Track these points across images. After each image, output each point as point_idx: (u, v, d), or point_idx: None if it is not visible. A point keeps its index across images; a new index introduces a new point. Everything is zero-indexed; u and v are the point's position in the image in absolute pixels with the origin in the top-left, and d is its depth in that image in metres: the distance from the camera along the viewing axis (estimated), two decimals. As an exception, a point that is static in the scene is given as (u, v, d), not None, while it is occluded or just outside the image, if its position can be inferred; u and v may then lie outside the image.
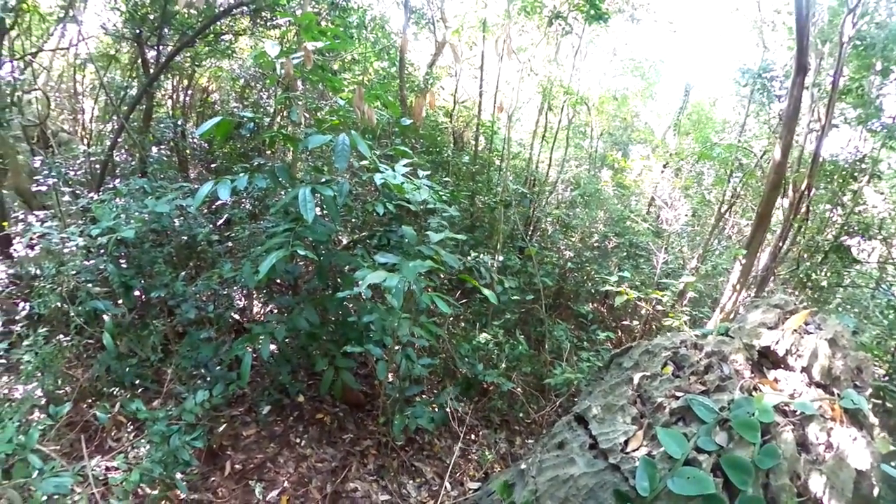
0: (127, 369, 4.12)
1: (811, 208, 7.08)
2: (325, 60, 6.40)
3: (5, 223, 5.66)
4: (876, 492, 2.61)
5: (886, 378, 4.54)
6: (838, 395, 2.65)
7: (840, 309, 7.06)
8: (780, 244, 6.69)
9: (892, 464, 2.79)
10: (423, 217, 5.22)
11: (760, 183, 8.76)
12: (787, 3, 8.60)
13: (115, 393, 4.10)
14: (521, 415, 5.48)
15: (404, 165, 4.16)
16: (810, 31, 6.48)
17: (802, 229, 7.10)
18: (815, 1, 7.47)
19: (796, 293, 6.96)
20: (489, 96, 8.79)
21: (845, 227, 7.14)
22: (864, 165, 7.32)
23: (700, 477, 2.03)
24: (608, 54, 11.74)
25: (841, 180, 7.37)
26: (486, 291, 3.70)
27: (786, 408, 2.45)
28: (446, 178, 6.33)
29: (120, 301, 4.40)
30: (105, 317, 4.14)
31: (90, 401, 4.11)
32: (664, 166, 10.70)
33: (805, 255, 7.31)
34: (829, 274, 7.13)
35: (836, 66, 6.41)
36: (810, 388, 2.67)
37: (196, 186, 4.59)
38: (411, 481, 4.28)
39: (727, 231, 9.82)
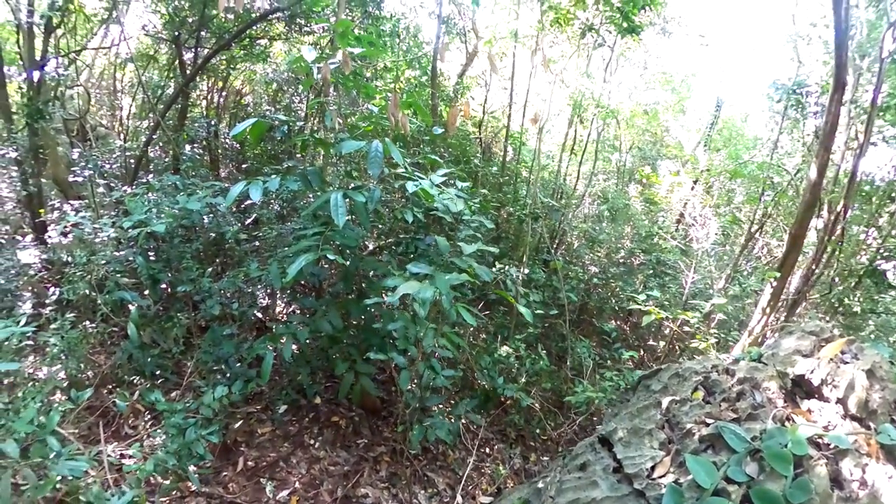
0: (149, 359, 4.21)
1: (846, 230, 6.89)
2: (359, 67, 6.49)
3: (42, 210, 5.86)
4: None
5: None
6: (875, 429, 2.57)
7: (874, 336, 6.86)
8: (814, 267, 6.51)
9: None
10: (450, 227, 5.22)
11: (792, 202, 8.56)
12: (823, 17, 8.37)
13: (135, 382, 4.19)
14: (537, 431, 5.41)
15: (441, 175, 4.17)
16: (849, 45, 6.32)
17: (837, 252, 6.91)
18: (854, 14, 7.29)
19: (827, 318, 6.78)
20: (518, 107, 8.77)
21: (881, 251, 6.92)
22: (902, 187, 7.10)
23: (729, 509, 1.98)
24: (639, 68, 11.63)
25: (878, 201, 7.15)
26: (523, 309, 3.69)
27: (819, 440, 2.38)
28: (483, 191, 6.30)
29: (146, 293, 4.49)
30: (131, 307, 4.25)
31: (111, 387, 4.20)
32: (694, 183, 10.54)
33: (838, 279, 7.11)
34: (862, 300, 6.93)
35: (877, 82, 6.22)
36: (845, 420, 2.58)
37: (227, 185, 4.69)
38: (423, 491, 4.26)
39: (756, 252, 9.61)
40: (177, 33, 7.12)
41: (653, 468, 2.34)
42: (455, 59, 11.10)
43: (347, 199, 3.75)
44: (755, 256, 9.49)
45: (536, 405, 5.38)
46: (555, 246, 8.08)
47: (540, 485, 3.12)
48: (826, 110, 5.49)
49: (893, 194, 7.10)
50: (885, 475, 2.37)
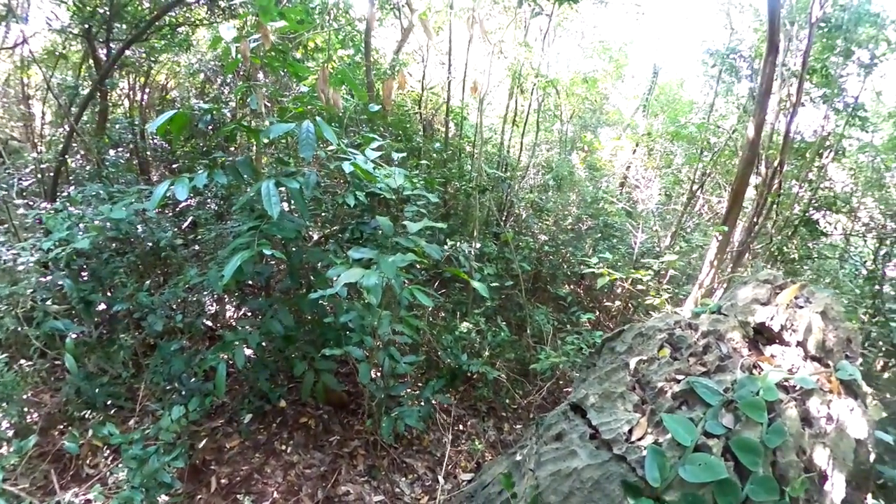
0: (97, 390, 3.87)
1: (782, 184, 7.20)
2: (285, 45, 6.13)
3: (-48, 242, 5.29)
4: (872, 457, 2.61)
5: (858, 344, 4.64)
6: (833, 367, 2.63)
7: (811, 280, 7.21)
8: (755, 219, 6.76)
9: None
10: (397, 206, 5.07)
11: (730, 161, 8.87)
12: (754, -16, 8.66)
13: (86, 416, 3.86)
14: (507, 401, 5.44)
15: (374, 150, 3.97)
16: (780, 12, 6.54)
17: (776, 205, 7.21)
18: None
19: (769, 266, 7.06)
20: (457, 82, 8.61)
21: (812, 202, 7.29)
22: (828, 143, 7.48)
23: (712, 463, 1.96)
24: (577, 37, 11.66)
25: (810, 157, 7.50)
26: (477, 284, 3.55)
27: (786, 384, 2.41)
28: (423, 161, 6.14)
29: (82, 318, 4.13)
30: (67, 337, 3.87)
31: (62, 427, 3.86)
32: (635, 146, 10.73)
33: (776, 230, 7.43)
34: (799, 247, 7.28)
35: (807, 46, 6.48)
36: (806, 361, 2.64)
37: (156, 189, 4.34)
38: (403, 479, 4.18)
39: (698, 209, 9.91)
40: (87, 26, 6.47)
41: (630, 431, 2.31)
42: (391, 36, 10.81)
43: (281, 188, 3.52)
44: (697, 213, 9.78)
45: (503, 376, 5.39)
46: (504, 218, 8.05)
47: (518, 457, 3.08)
48: (761, 72, 5.69)
49: (821, 150, 7.47)
50: (847, 408, 2.44)
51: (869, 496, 3.07)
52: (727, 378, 2.36)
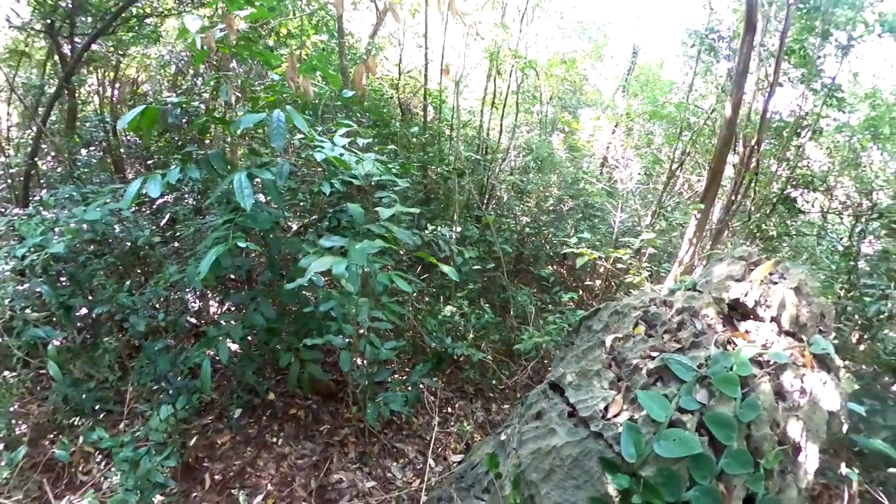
0: (84, 395, 3.83)
1: (760, 162, 7.27)
2: (259, 35, 5.95)
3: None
4: (845, 428, 2.67)
5: (834, 319, 4.72)
6: (807, 341, 2.67)
7: (789, 256, 7.33)
8: (733, 197, 6.82)
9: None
10: (374, 193, 5.03)
11: (709, 140, 8.92)
12: (734, -36, 8.65)
13: (76, 423, 3.83)
14: (493, 382, 5.48)
15: (343, 136, 3.90)
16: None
17: (753, 183, 7.29)
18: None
19: (748, 244, 7.15)
20: (435, 65, 8.52)
21: (790, 181, 7.39)
22: (806, 122, 7.56)
23: (686, 438, 1.98)
24: (556, 17, 11.58)
25: (787, 135, 7.58)
26: (445, 268, 3.52)
27: (760, 359, 2.44)
28: (391, 147, 6.07)
29: (63, 324, 4.06)
30: (49, 344, 3.79)
31: (52, 436, 3.83)
32: (615, 127, 10.73)
33: (754, 208, 7.52)
34: (777, 224, 7.38)
35: (784, 26, 6.51)
36: (780, 336, 2.67)
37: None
38: (395, 463, 4.22)
39: (678, 188, 9.97)
40: (49, 22, 6.18)
41: (606, 408, 2.33)
42: (366, 20, 10.64)
43: (256, 179, 3.46)
44: (677, 192, 9.85)
45: (488, 358, 5.42)
46: (485, 201, 8.03)
47: (503, 437, 3.10)
48: (738, 51, 5.72)
49: (799, 130, 7.55)
50: (820, 382, 2.48)
51: (843, 465, 3.14)
52: (701, 354, 2.39)
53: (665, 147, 10.07)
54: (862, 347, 4.81)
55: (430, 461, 4.22)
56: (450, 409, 5.05)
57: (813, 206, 8.34)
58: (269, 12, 4.19)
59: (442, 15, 7.38)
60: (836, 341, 4.52)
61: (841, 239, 7.31)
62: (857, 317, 4.88)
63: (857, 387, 3.06)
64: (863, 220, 6.28)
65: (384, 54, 9.84)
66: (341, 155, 3.59)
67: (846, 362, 4.48)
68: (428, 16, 8.23)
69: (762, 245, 7.18)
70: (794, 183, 7.41)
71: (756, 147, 6.77)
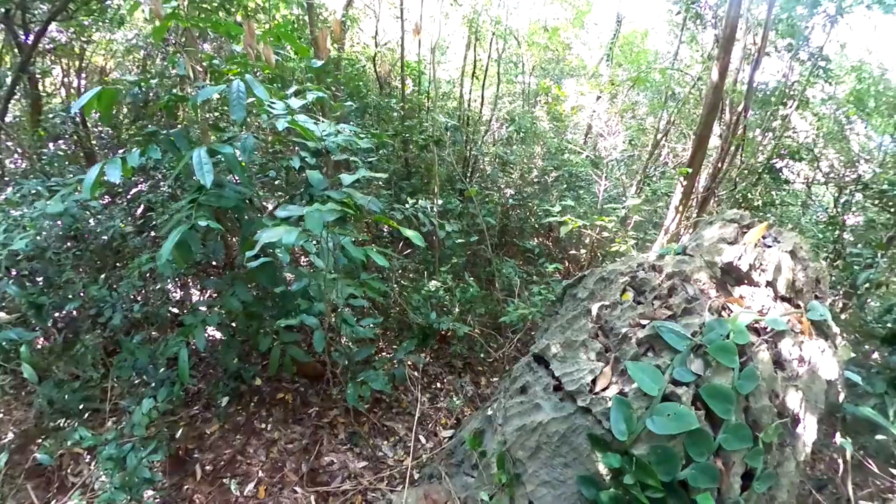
0: (68, 396, 3.66)
1: (746, 130, 7.16)
2: (212, 5, 5.53)
3: None
4: (842, 398, 2.55)
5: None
6: (804, 307, 2.53)
7: (776, 225, 7.28)
8: (720, 164, 6.69)
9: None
10: (344, 165, 4.79)
11: (694, 109, 8.77)
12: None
13: (62, 425, 3.65)
14: (482, 356, 5.42)
15: (300, 99, 3.63)
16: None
17: (740, 151, 7.18)
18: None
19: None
20: (413, 39, 8.18)
21: (776, 151, 7.32)
22: (792, 93, 7.45)
23: (681, 412, 1.82)
24: (536, -17, 11.24)
25: (774, 105, 7.47)
26: (409, 233, 3.27)
27: (757, 325, 2.29)
28: (364, 116, 5.79)
29: (35, 324, 3.86)
30: (22, 346, 3.59)
31: (40, 440, 3.65)
32: (599, 95, 10.51)
33: (739, 178, 7.44)
34: (762, 194, 7.32)
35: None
36: (776, 302, 2.52)
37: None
38: (385, 442, 4.15)
39: (664, 158, 9.82)
40: (2, 10, 5.73)
41: (594, 381, 2.16)
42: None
43: (218, 155, 3.20)
44: (663, 162, 9.70)
45: (475, 332, 5.34)
46: (468, 174, 7.81)
47: (489, 412, 2.95)
48: (725, 16, 5.67)
49: (785, 100, 7.44)
50: (818, 349, 2.34)
51: (837, 434, 3.04)
52: (695, 321, 2.22)
53: (650, 117, 9.90)
54: (844, 316, 4.79)
55: (421, 437, 4.16)
56: (438, 385, 4.97)
57: (798, 176, 8.30)
58: None
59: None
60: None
61: (826, 209, 7.28)
62: (839, 286, 4.87)
63: (852, 355, 2.97)
64: (847, 190, 6.25)
65: (360, 26, 9.45)
66: (296, 120, 3.32)
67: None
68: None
69: (749, 214, 7.11)
70: (779, 153, 7.34)
71: (742, 114, 6.64)
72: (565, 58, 12.03)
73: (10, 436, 3.63)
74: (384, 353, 4.91)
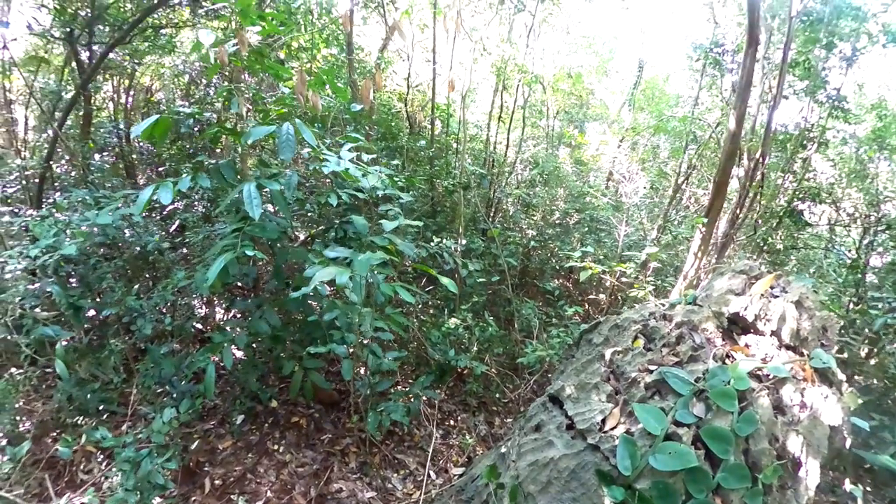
0: (89, 396, 3.89)
1: (765, 176, 7.26)
2: (270, 48, 6.07)
3: (-64, 249, 5.24)
4: (848, 444, 2.64)
5: (842, 332, 4.68)
6: (808, 355, 2.66)
7: (796, 270, 7.29)
8: (738, 211, 6.82)
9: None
10: (379, 205, 5.08)
11: (715, 154, 8.92)
12: (737, -21, 8.74)
13: (79, 422, 3.87)
14: (497, 395, 5.46)
15: (350, 150, 3.98)
16: (760, 6, 6.61)
17: (758, 196, 7.28)
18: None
19: (754, 257, 7.13)
20: (443, 79, 8.61)
21: (797, 193, 7.37)
22: (812, 134, 7.54)
23: (682, 451, 1.98)
24: (562, 32, 11.68)
25: (791, 149, 7.57)
26: (445, 280, 3.58)
27: (759, 372, 2.44)
28: (394, 162, 6.15)
29: (71, 324, 4.13)
30: (57, 343, 3.86)
31: (55, 434, 3.87)
32: (620, 141, 10.77)
33: (760, 221, 7.50)
34: (784, 238, 7.36)
35: (786, 40, 6.55)
36: (781, 350, 2.66)
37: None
38: (395, 474, 4.22)
39: (685, 201, 9.96)
40: (69, 29, 6.35)
41: (603, 421, 2.33)
42: (376, 35, 10.77)
43: (264, 189, 3.53)
44: (684, 206, 9.84)
45: (492, 371, 5.41)
46: (491, 214, 8.06)
47: (503, 449, 3.10)
48: (742, 65, 5.78)
49: (805, 142, 7.53)
50: (821, 396, 2.46)
51: (847, 481, 3.11)
52: (699, 368, 2.39)
53: (671, 161, 10.08)
54: (873, 361, 4.77)
55: (431, 472, 4.22)
56: (452, 422, 5.03)
57: (820, 218, 8.30)
58: (280, 28, 4.30)
59: (449, 31, 7.47)
60: (844, 355, 4.50)
61: (849, 251, 7.24)
62: (866, 330, 4.85)
63: (864, 401, 3.04)
64: (871, 231, 6.23)
65: (393, 68, 9.96)
66: (347, 169, 3.66)
67: (855, 377, 4.46)
68: (436, 31, 8.35)
69: (769, 258, 7.15)
70: (800, 195, 7.38)
71: (760, 160, 6.77)
72: (588, 103, 12.38)
73: (29, 425, 3.78)
74: (400, 387, 5.03)
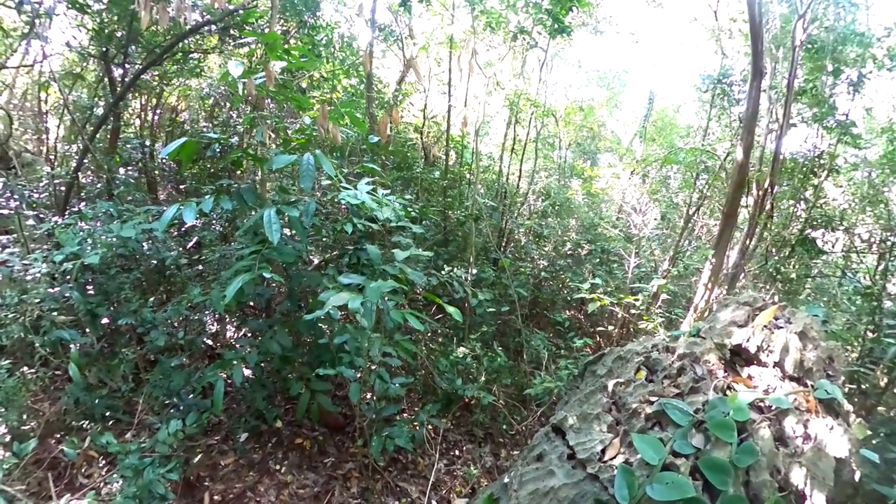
0: (96, 401, 3.97)
1: (775, 205, 7.23)
2: (293, 79, 6.32)
3: (-36, 249, 5.44)
4: (857, 476, 2.61)
5: (859, 361, 4.60)
6: (812, 386, 2.66)
7: (810, 299, 7.20)
8: (748, 241, 6.80)
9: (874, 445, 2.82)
10: (392, 234, 5.20)
11: (725, 184, 8.93)
12: (741, 12, 8.86)
13: (84, 426, 3.93)
14: (504, 427, 5.41)
15: (367, 183, 4.13)
16: (764, 36, 6.72)
17: (768, 225, 7.24)
18: (769, 9, 7.75)
19: (767, 287, 7.07)
20: (458, 112, 8.81)
21: (809, 221, 7.29)
22: (822, 161, 7.52)
23: (679, 482, 2.00)
24: (573, 66, 11.95)
25: (801, 176, 7.54)
26: (451, 309, 3.67)
27: (761, 404, 2.45)
28: (408, 196, 6.30)
29: (87, 330, 4.25)
30: (71, 347, 4.01)
31: (58, 436, 3.92)
32: (631, 173, 10.85)
33: (773, 250, 7.45)
34: (797, 266, 7.27)
35: (791, 69, 6.62)
36: (784, 381, 2.67)
37: (163, 209, 4.50)
38: (396, 502, 4.19)
39: (696, 232, 9.96)
40: (104, 49, 6.76)
41: (603, 451, 2.36)
42: (394, 67, 11.08)
43: (283, 215, 3.68)
44: (696, 237, 9.83)
45: (500, 402, 5.38)
46: (503, 244, 8.13)
47: (506, 479, 3.11)
48: (748, 96, 5.84)
49: (815, 169, 7.51)
50: (825, 427, 2.46)
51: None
52: (699, 399, 2.41)
53: (682, 192, 10.12)
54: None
55: (433, 503, 4.20)
56: (457, 452, 5.00)
57: (834, 245, 8.17)
58: (304, 62, 4.52)
59: (461, 68, 7.69)
60: (862, 386, 4.42)
61: (864, 278, 7.10)
62: (883, 359, 4.75)
63: (886, 433, 3.00)
64: (886, 257, 6.10)
65: (409, 100, 10.21)
66: (364, 202, 3.80)
67: (875, 407, 4.36)
68: (451, 65, 8.57)
69: (782, 288, 7.08)
70: (812, 223, 7.30)
71: (769, 189, 6.76)
72: (600, 135, 12.53)
73: (34, 424, 3.79)
74: (406, 413, 5.02)
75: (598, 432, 2.48)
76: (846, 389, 3.68)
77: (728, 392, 2.49)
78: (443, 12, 9.18)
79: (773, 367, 2.72)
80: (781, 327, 2.94)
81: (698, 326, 3.12)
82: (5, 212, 5.27)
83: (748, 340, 2.77)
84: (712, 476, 2.05)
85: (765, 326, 2.88)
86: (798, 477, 2.29)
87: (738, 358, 2.83)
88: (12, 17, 7.52)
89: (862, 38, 6.95)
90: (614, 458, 2.29)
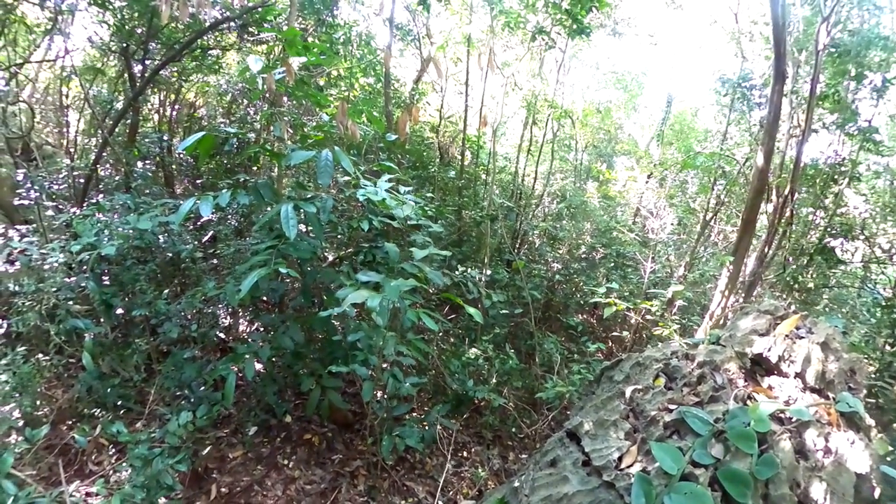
0: (109, 390, 4.03)
1: (795, 212, 7.11)
2: (311, 76, 6.35)
3: (-16, 236, 5.53)
4: (877, 493, 2.56)
5: (877, 375, 4.51)
6: (833, 398, 2.61)
7: (827, 309, 7.07)
8: (767, 249, 6.70)
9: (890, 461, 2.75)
10: (408, 233, 5.19)
11: (744, 190, 8.81)
12: (763, 15, 8.76)
13: (96, 414, 3.99)
14: (513, 430, 5.40)
15: (387, 181, 4.12)
16: (787, 40, 6.59)
17: (787, 233, 7.13)
18: (791, 11, 7.62)
19: (784, 296, 6.97)
20: (475, 111, 8.79)
21: (828, 230, 7.17)
22: (843, 168, 7.38)
23: (698, 492, 1.96)
24: (591, 68, 11.88)
25: (822, 184, 7.42)
26: (471, 310, 3.65)
27: (782, 415, 2.40)
28: (430, 195, 6.29)
29: (101, 320, 4.30)
30: (86, 336, 4.05)
31: (70, 423, 3.99)
32: (648, 177, 10.76)
33: (791, 259, 7.33)
34: (815, 276, 7.15)
35: (814, 73, 6.49)
36: (805, 393, 2.62)
37: (180, 203, 4.54)
38: (403, 501, 4.20)
39: (713, 238, 9.85)
40: (125, 45, 6.85)
41: (620, 458, 2.32)
42: (411, 66, 11.10)
43: (300, 211, 3.68)
44: (713, 243, 9.72)
45: (510, 405, 5.36)
46: (517, 246, 8.10)
47: (516, 483, 3.08)
48: (769, 100, 5.74)
49: (836, 176, 7.37)
50: (847, 441, 2.41)
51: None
52: (719, 409, 2.37)
53: (699, 196, 10.01)
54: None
55: (440, 503, 4.19)
56: (465, 454, 5.00)
57: (854, 255, 8.03)
58: (322, 59, 4.53)
59: (482, 67, 7.67)
60: (880, 400, 4.34)
61: (884, 289, 6.97)
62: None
63: (890, 448, 2.94)
64: None
65: (426, 99, 10.21)
66: (384, 199, 3.79)
67: (894, 424, 4.28)
68: (469, 65, 8.56)
69: (799, 297, 6.97)
70: (832, 232, 7.17)
71: (789, 196, 6.65)
72: (617, 137, 12.44)
73: (47, 411, 3.87)
74: (416, 413, 5.03)
75: (614, 439, 2.44)
76: (864, 403, 3.62)
77: (749, 402, 2.45)
78: (461, 11, 9.18)
79: (795, 377, 2.67)
80: (803, 337, 2.89)
81: (718, 334, 3.07)
82: (26, 202, 5.35)
83: (769, 350, 2.72)
84: (732, 488, 2.01)
85: (786, 336, 2.83)
86: (818, 491, 2.24)
87: (758, 367, 2.78)
88: (36, 14, 7.67)
89: (886, 41, 6.79)
90: (631, 466, 2.25)
